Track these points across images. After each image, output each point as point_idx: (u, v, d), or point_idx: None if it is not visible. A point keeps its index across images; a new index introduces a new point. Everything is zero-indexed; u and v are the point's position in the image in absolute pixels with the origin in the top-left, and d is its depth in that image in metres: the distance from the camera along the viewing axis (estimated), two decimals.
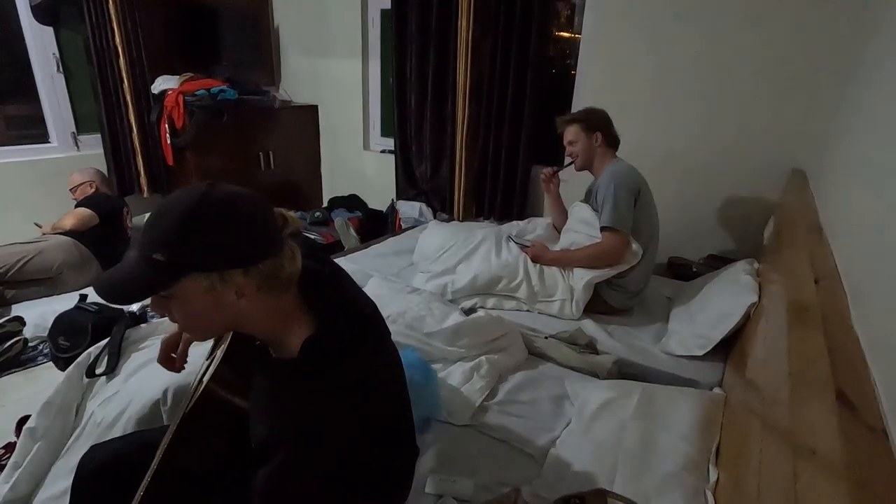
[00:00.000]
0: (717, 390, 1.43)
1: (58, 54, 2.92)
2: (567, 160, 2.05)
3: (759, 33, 2.08)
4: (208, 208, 0.66)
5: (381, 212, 3.34)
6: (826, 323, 0.82)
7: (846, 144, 1.53)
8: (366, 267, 2.23)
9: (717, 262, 2.26)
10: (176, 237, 0.64)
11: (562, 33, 2.84)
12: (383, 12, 3.19)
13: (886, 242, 0.80)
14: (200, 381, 0.92)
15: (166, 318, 1.61)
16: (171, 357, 0.98)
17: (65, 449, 1.35)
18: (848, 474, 0.50)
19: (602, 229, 1.84)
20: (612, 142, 1.95)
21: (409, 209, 3.14)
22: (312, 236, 3.00)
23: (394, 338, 0.91)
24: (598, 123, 1.93)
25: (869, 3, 1.81)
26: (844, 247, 1.07)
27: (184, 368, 0.99)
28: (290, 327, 0.76)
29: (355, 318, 0.79)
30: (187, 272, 0.65)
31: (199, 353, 1.02)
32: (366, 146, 3.58)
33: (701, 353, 1.60)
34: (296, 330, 0.75)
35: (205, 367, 0.99)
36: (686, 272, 2.35)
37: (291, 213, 0.75)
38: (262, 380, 0.79)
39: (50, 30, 2.87)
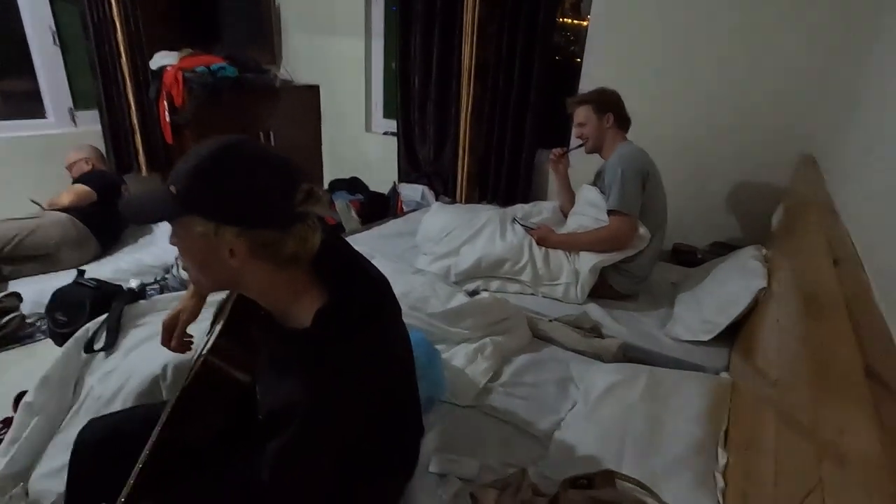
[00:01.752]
0: (724, 374, 1.42)
1: (54, 28, 2.85)
2: (576, 142, 2.02)
3: (768, 18, 2.03)
4: (226, 160, 0.67)
5: (382, 194, 3.30)
6: (849, 304, 0.80)
7: (860, 127, 1.49)
8: (368, 248, 2.19)
9: (723, 248, 2.24)
10: (189, 174, 0.67)
11: (566, 19, 2.78)
12: None
13: None
14: (200, 354, 0.90)
15: (165, 295, 1.58)
16: (171, 343, 0.97)
17: (63, 424, 1.33)
18: (882, 456, 0.48)
19: (609, 213, 1.81)
20: (623, 123, 1.91)
21: (412, 192, 3.11)
22: None
23: None
24: (610, 104, 1.89)
25: None
26: (864, 229, 1.04)
27: (189, 349, 0.97)
28: (298, 299, 0.74)
29: (369, 290, 0.77)
30: (189, 211, 0.67)
31: (203, 330, 1.00)
32: (368, 128, 3.52)
33: (707, 338, 1.58)
34: (305, 301, 0.73)
35: (206, 341, 0.96)
36: (691, 259, 2.32)
37: (321, 193, 0.72)
38: (273, 350, 0.77)
39: (46, 2, 2.79)
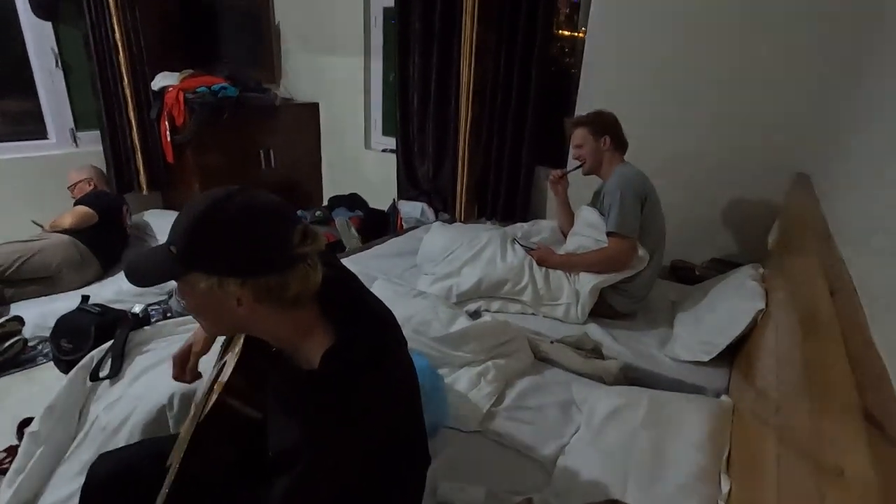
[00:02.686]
0: (724, 398, 1.43)
1: (56, 49, 2.88)
2: (574, 163, 2.05)
3: (765, 36, 2.08)
4: (221, 214, 0.68)
5: (382, 211, 3.32)
6: (845, 337, 0.82)
7: (854, 150, 1.52)
8: (369, 269, 2.22)
9: (721, 265, 2.26)
10: (185, 234, 0.69)
11: (562, 32, 2.83)
12: (386, 10, 3.16)
13: None
14: (212, 389, 0.91)
15: (168, 321, 1.59)
16: (183, 376, 0.98)
17: (68, 454, 1.34)
18: (882, 500, 0.50)
19: (608, 234, 1.84)
20: (620, 145, 1.94)
21: (411, 209, 3.13)
22: None
23: None
24: (607, 126, 1.92)
25: (875, 5, 1.80)
26: (858, 257, 1.07)
27: (199, 377, 0.98)
28: (307, 338, 0.75)
29: (375, 330, 0.78)
30: (191, 269, 0.69)
31: (210, 360, 1.01)
32: (367, 145, 3.55)
33: (706, 358, 1.60)
34: (314, 340, 0.74)
35: (214, 373, 0.98)
36: (689, 275, 2.35)
37: (317, 232, 0.74)
38: (282, 390, 0.78)
39: (49, 24, 2.83)
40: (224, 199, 0.69)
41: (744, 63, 2.14)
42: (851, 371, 0.73)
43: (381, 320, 0.81)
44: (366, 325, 0.77)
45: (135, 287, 2.43)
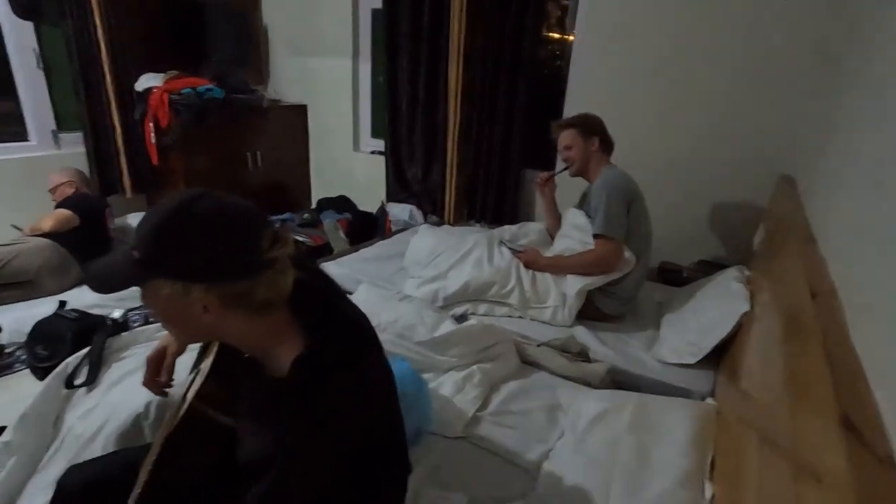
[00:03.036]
0: (709, 400, 1.43)
1: (38, 50, 2.83)
2: (562, 165, 2.04)
3: (750, 40, 2.09)
4: (185, 218, 0.66)
5: (370, 214, 3.30)
6: (826, 340, 0.81)
7: (836, 153, 1.53)
8: (355, 272, 2.20)
9: (708, 267, 2.27)
10: (149, 238, 0.67)
11: (552, 34, 2.83)
12: (374, 12, 3.15)
13: (887, 260, 0.79)
14: (184, 397, 0.89)
15: (148, 326, 1.56)
16: (156, 380, 0.95)
17: (42, 463, 1.30)
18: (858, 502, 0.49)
19: (595, 237, 1.83)
20: (607, 147, 1.95)
21: (400, 211, 3.11)
22: (301, 238, 2.96)
23: (384, 347, 0.89)
24: (595, 128, 1.92)
25: (856, 9, 1.82)
26: (840, 260, 1.07)
27: (170, 386, 0.95)
28: (278, 344, 0.74)
29: (347, 335, 0.77)
30: (155, 275, 0.67)
31: (185, 366, 0.99)
32: (356, 147, 3.53)
33: (693, 360, 1.60)
34: (286, 346, 0.72)
35: (189, 381, 0.95)
36: (677, 277, 2.35)
37: (287, 235, 0.72)
38: (252, 397, 0.77)
39: (30, 24, 2.78)
40: (190, 201, 0.66)
41: (729, 67, 2.16)
42: (830, 374, 0.72)
43: (353, 324, 0.80)
44: (337, 329, 0.76)
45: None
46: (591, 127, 1.93)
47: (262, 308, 0.70)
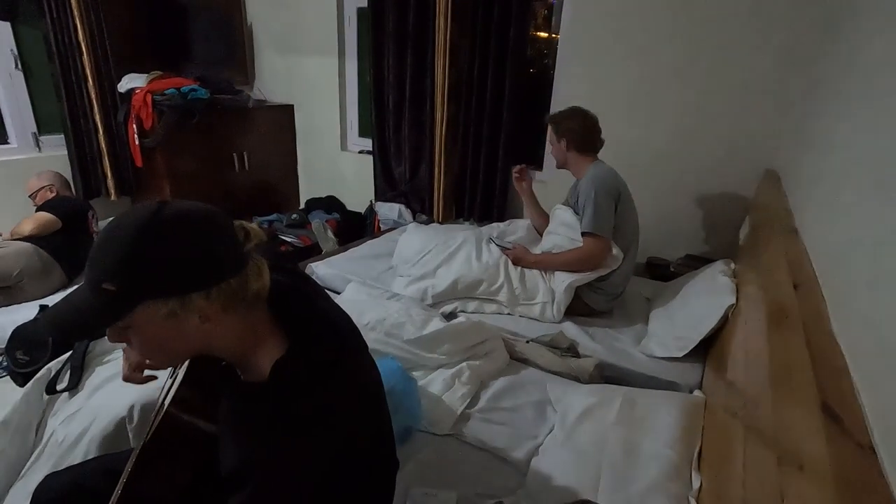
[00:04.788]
0: (697, 393, 1.44)
1: (16, 51, 2.78)
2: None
3: (732, 35, 2.11)
4: (159, 228, 0.61)
5: (359, 213, 3.29)
6: (807, 330, 0.82)
7: (817, 146, 1.55)
8: (344, 271, 2.19)
9: (695, 261, 2.28)
10: (126, 263, 0.60)
11: (540, 33, 2.84)
12: (360, 11, 3.13)
13: (865, 251, 0.80)
14: (162, 403, 0.87)
15: None
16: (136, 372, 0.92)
17: (24, 470, 1.28)
18: (837, 492, 0.49)
19: (583, 234, 1.84)
20: (582, 147, 1.92)
21: (388, 211, 3.10)
22: (289, 239, 2.93)
23: (373, 346, 0.88)
24: (565, 130, 1.91)
25: (836, 4, 1.84)
26: (821, 251, 1.08)
27: (153, 378, 0.92)
28: (259, 346, 0.72)
29: (329, 335, 0.75)
30: (142, 300, 0.61)
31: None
32: (343, 146, 3.51)
33: (680, 354, 1.61)
34: (266, 350, 0.71)
35: (167, 386, 0.93)
36: (664, 272, 2.37)
37: (254, 226, 0.71)
38: (231, 405, 0.75)
39: (7, 25, 2.72)
40: (153, 215, 0.61)
41: (714, 63, 2.18)
42: (812, 363, 0.73)
43: (335, 325, 0.78)
44: (319, 330, 0.74)
45: None
46: (563, 127, 1.92)
47: (252, 303, 0.68)
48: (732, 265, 1.87)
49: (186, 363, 0.83)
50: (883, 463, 0.51)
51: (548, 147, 2.33)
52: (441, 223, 2.88)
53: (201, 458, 0.80)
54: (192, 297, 0.62)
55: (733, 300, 1.56)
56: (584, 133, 1.91)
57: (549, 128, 1.98)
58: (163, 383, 0.95)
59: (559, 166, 2.01)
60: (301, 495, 0.67)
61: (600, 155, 1.97)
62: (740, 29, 2.09)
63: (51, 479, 0.93)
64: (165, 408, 0.79)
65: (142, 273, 0.60)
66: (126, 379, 0.92)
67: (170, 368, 0.93)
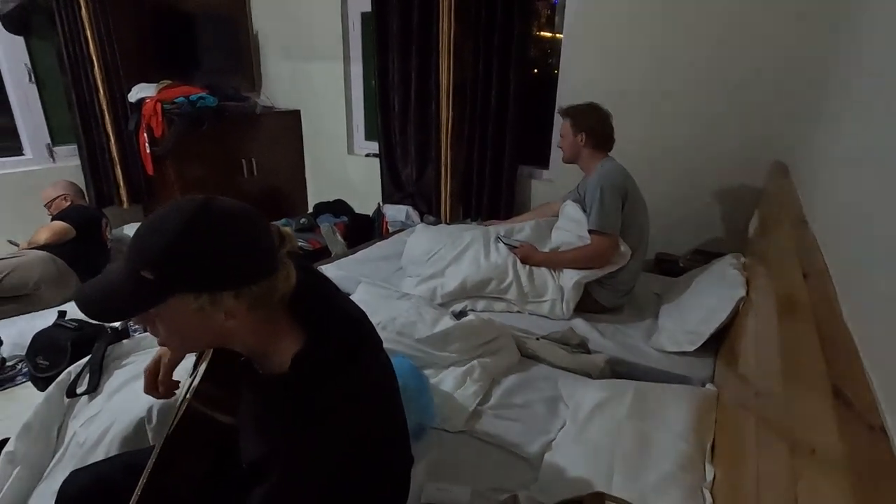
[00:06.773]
0: (709, 386, 1.44)
1: (29, 64, 2.85)
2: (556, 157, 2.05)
3: (741, 30, 2.10)
4: (203, 226, 0.62)
5: (367, 216, 3.31)
6: (817, 318, 0.82)
7: (826, 138, 1.54)
8: (354, 273, 2.20)
9: (704, 256, 2.27)
10: (166, 255, 0.61)
11: (543, 33, 2.85)
12: (364, 15, 3.16)
13: (874, 238, 0.80)
14: (184, 398, 0.89)
15: (149, 334, 1.55)
16: (157, 385, 0.95)
17: (46, 473, 1.30)
18: (850, 475, 0.50)
19: (591, 232, 1.84)
20: (600, 144, 1.93)
21: (396, 213, 3.12)
22: (300, 243, 2.96)
23: (384, 345, 0.89)
24: (587, 124, 1.91)
25: (843, 3, 1.83)
26: (831, 241, 1.08)
27: (174, 394, 0.95)
28: (278, 342, 0.74)
29: (346, 330, 0.77)
30: (176, 292, 0.62)
31: (185, 371, 0.99)
32: (350, 150, 3.54)
33: (692, 348, 1.60)
34: (284, 344, 0.73)
35: (188, 384, 0.96)
36: (673, 268, 2.36)
37: (288, 230, 0.72)
38: (252, 397, 0.76)
39: (21, 39, 2.79)
40: (199, 210, 0.63)
41: (720, 56, 2.17)
42: (822, 351, 0.73)
43: (352, 321, 0.80)
44: (336, 326, 0.76)
45: None
46: (583, 121, 1.93)
47: (277, 305, 0.69)
48: (742, 259, 1.86)
49: (208, 360, 0.85)
50: (894, 443, 0.52)
51: (554, 143, 2.33)
52: (449, 223, 2.89)
53: (220, 450, 0.82)
54: (223, 294, 0.63)
55: (744, 292, 1.56)
56: (602, 128, 1.91)
57: (566, 121, 1.96)
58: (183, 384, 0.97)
59: (568, 160, 2.01)
60: (323, 484, 0.68)
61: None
62: (750, 23, 2.08)
63: (75, 475, 0.95)
64: (188, 402, 0.81)
65: (182, 266, 0.61)
66: (147, 392, 0.95)
67: (191, 367, 0.96)
